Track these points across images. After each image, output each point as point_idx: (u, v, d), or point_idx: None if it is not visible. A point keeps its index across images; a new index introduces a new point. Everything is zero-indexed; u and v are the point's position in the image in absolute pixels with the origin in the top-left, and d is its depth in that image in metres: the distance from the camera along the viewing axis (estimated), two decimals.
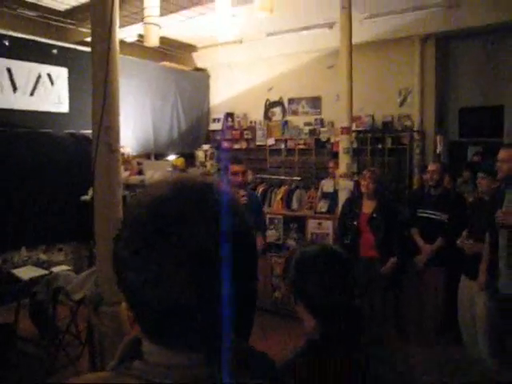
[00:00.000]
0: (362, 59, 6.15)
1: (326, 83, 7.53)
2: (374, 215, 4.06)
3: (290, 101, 8.15)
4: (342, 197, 4.50)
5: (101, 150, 2.04)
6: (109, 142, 2.05)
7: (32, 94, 5.81)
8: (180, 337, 0.66)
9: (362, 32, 6.30)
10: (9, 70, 5.54)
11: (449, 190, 4.74)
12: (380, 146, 7.13)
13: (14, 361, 4.08)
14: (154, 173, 6.67)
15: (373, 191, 4.06)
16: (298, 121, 8.06)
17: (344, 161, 4.62)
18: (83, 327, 4.15)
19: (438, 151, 6.95)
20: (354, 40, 4.83)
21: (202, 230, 0.63)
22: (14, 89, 5.62)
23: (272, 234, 4.88)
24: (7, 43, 5.46)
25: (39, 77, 5.87)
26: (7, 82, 5.53)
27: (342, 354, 1.21)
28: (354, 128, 5.98)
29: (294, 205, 5.09)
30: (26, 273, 3.96)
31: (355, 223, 4.07)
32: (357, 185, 4.46)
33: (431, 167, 4.28)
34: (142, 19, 5.11)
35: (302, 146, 7.85)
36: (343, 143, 4.65)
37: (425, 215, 4.22)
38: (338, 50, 4.90)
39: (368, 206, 4.11)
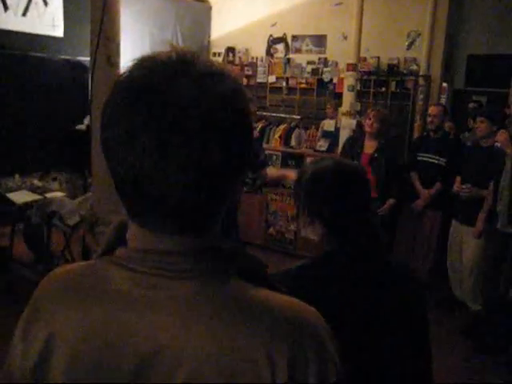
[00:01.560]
0: None
1: (333, 21, 7.23)
2: (376, 156, 4.00)
3: (294, 38, 7.84)
4: (344, 135, 4.42)
5: (99, 62, 1.92)
6: (108, 54, 1.93)
7: (24, 14, 5.54)
8: (155, 216, 0.59)
9: None
10: None
11: (449, 134, 4.70)
12: (383, 89, 6.97)
13: (10, 284, 4.12)
14: None
15: (376, 131, 3.99)
16: (300, 59, 7.80)
17: (348, 99, 4.51)
18: (77, 252, 4.18)
19: (442, 99, 6.82)
20: None
21: (186, 89, 0.56)
22: (5, 8, 5.34)
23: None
24: None
25: None
26: None
27: (359, 267, 1.19)
28: (358, 69, 5.82)
29: (293, 142, 5.01)
30: (20, 197, 3.92)
31: (356, 163, 4.02)
32: (359, 125, 4.37)
33: (432, 110, 4.23)
34: None
35: (303, 85, 7.63)
36: (348, 80, 4.51)
37: (424, 159, 4.20)
38: None
39: (370, 146, 4.05)
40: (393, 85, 6.95)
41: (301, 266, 1.23)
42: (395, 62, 6.99)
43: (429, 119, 4.25)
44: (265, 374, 0.57)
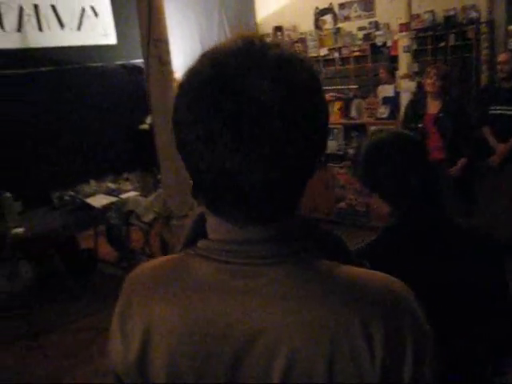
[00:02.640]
0: None
1: None
2: (441, 115, 3.83)
3: (341, 6, 7.60)
4: (405, 99, 4.26)
5: (152, 64, 1.99)
6: (159, 55, 2.00)
7: (79, 28, 5.79)
8: (237, 207, 0.60)
9: None
10: (53, 7, 5.52)
11: None
12: (442, 44, 6.59)
13: (97, 281, 4.43)
14: None
15: (438, 89, 3.80)
16: (350, 27, 7.55)
17: (404, 61, 4.33)
18: (157, 247, 4.39)
19: (510, 44, 6.33)
20: None
21: (260, 81, 0.55)
22: (61, 26, 5.61)
23: (332, 145, 4.78)
24: None
25: (83, 10, 5.81)
26: (53, 19, 5.53)
27: (425, 237, 1.16)
28: (412, 27, 5.55)
29: (353, 113, 4.91)
30: (98, 201, 4.17)
31: (420, 125, 3.87)
32: (419, 85, 4.19)
33: (502, 57, 3.95)
34: None
35: (356, 54, 7.40)
36: (402, 41, 4.33)
37: (497, 112, 3.93)
38: None
39: (434, 106, 3.87)
40: (452, 38, 6.55)
41: (368, 244, 1.23)
42: (452, 12, 6.58)
43: (498, 67, 3.97)
44: (363, 348, 0.57)
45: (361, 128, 4.74)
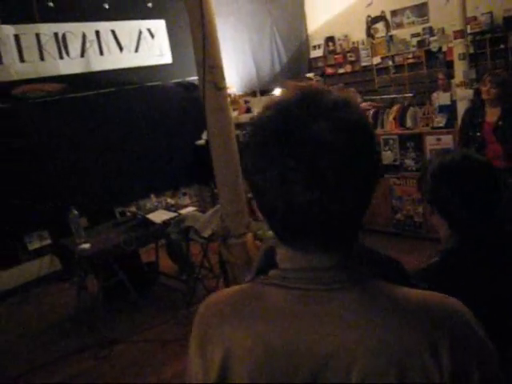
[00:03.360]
0: None
1: None
2: (500, 123, 3.68)
3: (393, 13, 7.49)
4: (461, 108, 4.13)
5: (207, 89, 2.08)
6: (214, 81, 2.09)
7: (136, 50, 6.06)
8: (307, 237, 0.67)
9: None
10: (113, 32, 5.82)
11: None
12: (502, 47, 6.34)
13: (159, 293, 4.58)
14: None
15: (496, 96, 3.66)
16: (403, 33, 7.42)
17: (460, 68, 4.20)
18: (215, 261, 4.49)
19: None
20: None
21: (321, 125, 0.63)
22: (120, 49, 5.90)
23: (388, 156, 4.70)
24: (107, 6, 5.68)
25: (140, 33, 6.08)
26: (113, 44, 5.83)
27: (483, 261, 1.15)
28: (468, 31, 5.38)
29: (409, 123, 4.79)
30: (158, 216, 4.32)
31: (479, 134, 3.75)
32: (477, 93, 4.06)
33: None
34: None
35: (411, 60, 7.27)
36: (458, 49, 4.20)
37: None
38: None
39: (492, 114, 3.73)
40: None
41: (428, 267, 1.22)
42: None
43: None
44: (431, 364, 0.62)
45: (417, 138, 4.64)
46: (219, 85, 2.11)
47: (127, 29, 5.93)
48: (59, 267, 5.15)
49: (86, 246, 3.96)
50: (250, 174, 0.68)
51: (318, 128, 0.62)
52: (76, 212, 4.17)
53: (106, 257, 3.96)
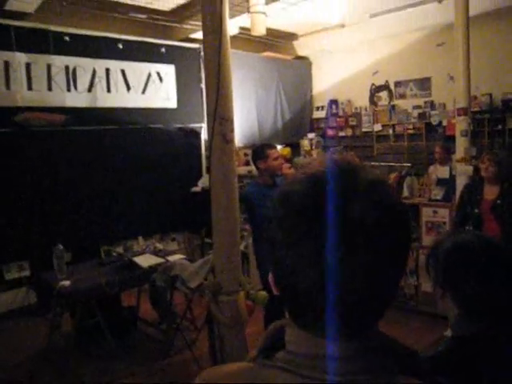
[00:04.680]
0: (477, 33, 5.62)
1: (436, 62, 7.05)
2: (498, 201, 3.71)
3: (397, 84, 7.75)
4: (460, 183, 4.17)
5: (216, 141, 2.06)
6: (223, 133, 2.07)
7: (143, 92, 6.14)
8: (328, 321, 0.61)
9: (478, 2, 5.76)
10: (123, 72, 5.91)
11: None
12: (500, 127, 6.52)
13: (136, 341, 4.39)
14: None
15: (494, 175, 3.72)
16: (405, 104, 7.65)
17: (462, 144, 4.27)
18: (198, 313, 4.34)
19: None
20: (471, 12, 4.42)
21: (358, 205, 0.59)
22: (128, 88, 5.97)
23: None
24: (121, 46, 5.81)
25: (149, 75, 6.19)
26: (121, 83, 5.91)
27: (499, 354, 1.09)
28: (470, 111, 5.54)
29: (405, 192, 4.83)
30: (145, 260, 4.20)
31: (476, 211, 3.76)
32: (476, 169, 4.11)
33: None
34: (247, 9, 5.16)
35: (411, 131, 7.44)
36: (460, 125, 4.29)
37: None
38: (449, 25, 4.52)
39: (491, 192, 3.77)
40: (510, 121, 6.49)
41: (441, 354, 1.15)
42: (510, 96, 6.55)
43: None
44: None
45: (413, 208, 4.64)
46: (228, 137, 2.10)
47: (137, 70, 6.03)
48: (34, 301, 4.96)
49: (67, 282, 3.82)
50: (274, 247, 0.64)
51: (353, 207, 0.58)
52: (61, 247, 4.05)
53: (86, 296, 3.81)
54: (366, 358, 0.63)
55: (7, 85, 4.93)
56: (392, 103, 7.77)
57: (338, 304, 0.59)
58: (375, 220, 0.58)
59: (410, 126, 7.47)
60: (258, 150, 3.70)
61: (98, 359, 3.98)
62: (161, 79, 6.32)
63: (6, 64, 4.90)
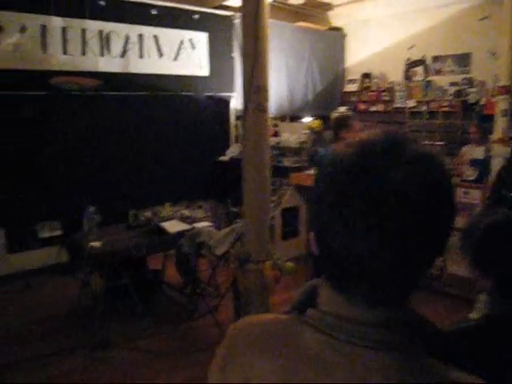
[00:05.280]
0: None
1: (477, 38, 6.76)
2: None
3: (434, 59, 7.47)
4: (496, 165, 4.06)
5: (250, 109, 2.05)
6: (258, 102, 2.06)
7: (176, 59, 6.12)
8: (360, 287, 0.63)
9: None
10: (155, 38, 5.89)
11: None
12: None
13: (160, 303, 4.52)
14: (290, 135, 6.71)
15: None
16: (442, 81, 7.38)
17: (500, 124, 4.14)
18: (222, 280, 4.42)
19: None
20: None
21: (400, 175, 0.59)
22: (160, 55, 5.96)
23: None
24: (155, 12, 5.77)
25: (182, 42, 6.14)
26: (154, 49, 5.89)
27: None
28: None
29: None
30: (172, 226, 4.28)
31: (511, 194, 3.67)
32: None
33: None
34: None
35: (445, 109, 7.16)
36: (501, 105, 4.15)
37: None
38: None
39: None
40: None
41: (466, 329, 1.15)
42: None
43: None
44: None
45: None
46: (262, 106, 2.08)
47: (170, 36, 6.00)
48: (65, 260, 5.13)
49: (97, 243, 3.93)
50: (317, 206, 0.65)
51: (395, 177, 0.59)
52: (92, 209, 4.15)
53: (114, 258, 3.93)
54: (392, 329, 0.63)
55: (44, 48, 4.98)
56: (427, 79, 7.52)
57: (369, 269, 0.60)
58: (412, 194, 0.58)
59: (445, 104, 7.21)
60: (344, 120, 3.75)
61: (124, 318, 4.13)
62: (193, 47, 6.28)
63: (43, 28, 4.94)
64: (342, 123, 3.72)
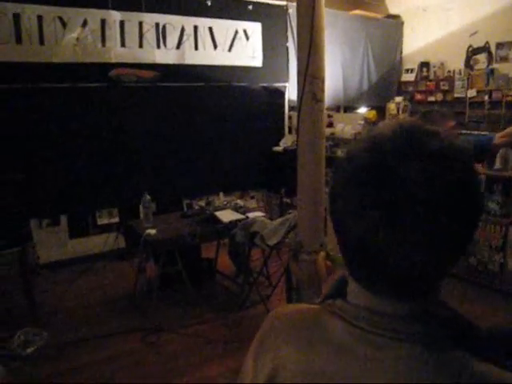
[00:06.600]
0: None
1: None
2: None
3: (499, 45, 7.09)
4: None
5: (305, 99, 2.04)
6: (313, 92, 2.04)
7: (230, 49, 6.15)
8: (381, 282, 0.63)
9: None
10: (210, 29, 5.94)
11: None
12: None
13: (213, 291, 4.61)
14: (345, 126, 6.61)
15: None
16: (507, 68, 6.98)
17: None
18: (274, 270, 4.45)
19: None
20: None
21: (413, 173, 0.57)
22: (215, 46, 6.01)
23: None
24: (209, 3, 5.82)
25: (236, 33, 6.16)
26: (209, 40, 5.95)
27: None
28: None
29: (498, 164, 4.51)
30: (226, 216, 4.34)
31: None
32: None
33: None
34: None
35: (510, 98, 6.81)
36: None
37: None
38: None
39: None
40: None
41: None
42: None
43: None
44: None
45: (506, 181, 4.34)
46: (318, 96, 2.06)
47: (224, 27, 6.04)
48: (122, 246, 5.34)
49: (153, 231, 4.05)
50: (333, 199, 0.65)
51: (411, 175, 0.57)
52: (149, 196, 4.28)
53: (170, 245, 4.03)
54: (419, 321, 0.63)
55: (103, 42, 5.15)
56: (491, 67, 7.16)
57: (385, 268, 0.60)
58: (427, 191, 0.56)
59: (511, 93, 6.87)
60: (432, 117, 3.65)
61: (177, 305, 4.24)
62: (247, 37, 6.28)
63: (103, 22, 5.11)
64: (429, 120, 3.49)
